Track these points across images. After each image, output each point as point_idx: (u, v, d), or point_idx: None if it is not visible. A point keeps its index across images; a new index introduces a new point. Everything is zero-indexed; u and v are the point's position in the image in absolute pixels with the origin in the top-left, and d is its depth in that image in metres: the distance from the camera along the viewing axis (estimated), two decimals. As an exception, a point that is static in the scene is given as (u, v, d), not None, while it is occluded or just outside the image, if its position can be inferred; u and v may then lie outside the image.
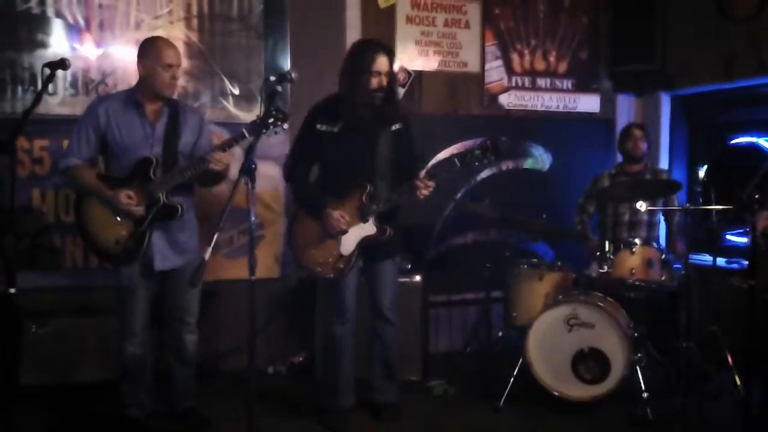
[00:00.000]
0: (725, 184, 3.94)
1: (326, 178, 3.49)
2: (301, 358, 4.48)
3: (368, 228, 3.37)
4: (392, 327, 3.60)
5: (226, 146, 3.09)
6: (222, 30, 4.35)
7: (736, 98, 4.95)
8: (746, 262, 3.13)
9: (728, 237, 4.61)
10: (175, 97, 3.35)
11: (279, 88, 2.71)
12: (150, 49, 3.20)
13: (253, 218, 2.63)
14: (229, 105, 4.36)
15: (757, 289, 2.55)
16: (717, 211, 3.84)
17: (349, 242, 3.38)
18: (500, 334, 4.47)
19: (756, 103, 4.80)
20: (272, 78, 2.73)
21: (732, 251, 4.44)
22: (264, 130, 2.75)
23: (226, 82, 4.35)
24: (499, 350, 4.45)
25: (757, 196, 2.65)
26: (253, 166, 2.59)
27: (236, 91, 4.37)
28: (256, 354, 4.14)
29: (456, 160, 3.26)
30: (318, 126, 3.40)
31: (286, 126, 2.83)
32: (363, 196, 3.35)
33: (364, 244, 3.39)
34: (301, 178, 3.51)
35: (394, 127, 3.44)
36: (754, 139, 4.86)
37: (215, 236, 2.48)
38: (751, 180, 2.77)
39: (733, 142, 4.99)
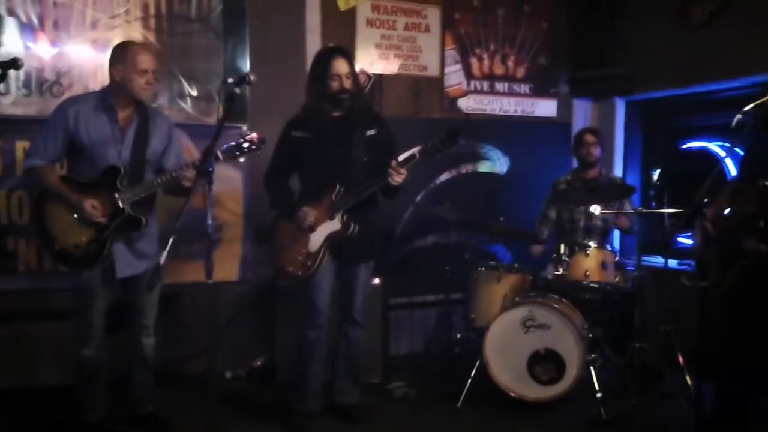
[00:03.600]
0: (678, 187, 4.05)
1: (304, 184, 3.59)
2: (260, 363, 4.45)
3: (334, 224, 3.42)
4: (360, 330, 3.66)
5: (198, 164, 3.07)
6: (180, 30, 4.30)
7: (690, 104, 5.08)
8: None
9: (680, 239, 4.71)
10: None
11: (237, 90, 2.70)
12: (124, 55, 3.18)
13: (210, 221, 2.62)
14: (188, 106, 4.31)
15: (706, 289, 2.62)
16: (669, 214, 3.94)
17: (316, 240, 3.43)
18: (458, 335, 4.51)
19: (709, 109, 4.92)
20: (230, 80, 2.71)
21: (684, 253, 4.55)
22: (237, 153, 2.80)
23: (185, 83, 4.31)
24: (459, 352, 4.48)
25: (706, 200, 2.72)
26: (211, 169, 2.58)
27: (194, 93, 4.32)
28: (216, 358, 4.16)
29: (416, 151, 3.32)
30: (293, 133, 3.51)
31: (259, 151, 2.88)
32: (333, 195, 3.41)
33: (332, 241, 3.43)
34: (277, 184, 3.58)
35: (368, 133, 3.50)
36: (705, 144, 4.99)
37: (171, 240, 2.46)
38: (702, 184, 2.84)
39: (684, 146, 5.11)
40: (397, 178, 3.29)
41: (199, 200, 2.92)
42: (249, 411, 3.84)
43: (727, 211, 2.80)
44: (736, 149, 3.05)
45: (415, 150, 3.31)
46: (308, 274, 3.44)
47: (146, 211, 3.22)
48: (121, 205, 3.13)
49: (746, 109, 2.62)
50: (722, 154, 4.74)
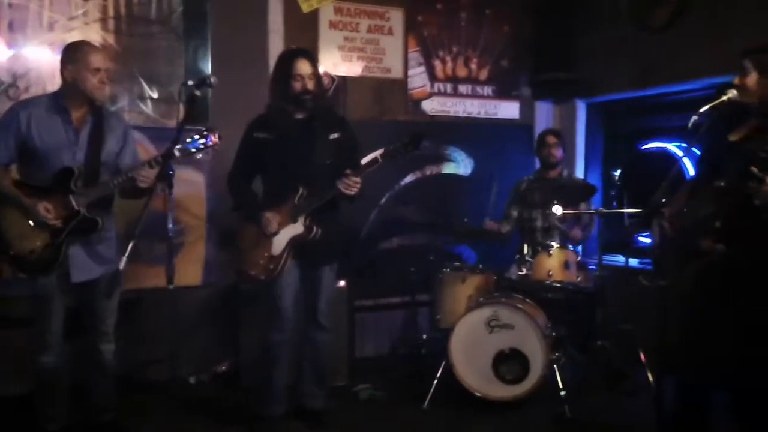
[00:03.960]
0: (638, 188, 4.11)
1: (267, 186, 3.56)
2: (224, 367, 4.40)
3: (297, 228, 3.41)
4: (326, 333, 3.64)
5: (153, 163, 3.03)
6: (141, 32, 4.24)
7: (649, 106, 5.17)
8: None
9: (640, 239, 4.79)
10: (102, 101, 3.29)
11: (198, 93, 2.67)
12: (75, 54, 3.13)
13: (171, 225, 2.59)
14: (148, 109, 4.26)
15: (664, 288, 2.66)
16: (629, 214, 4.01)
17: (279, 243, 3.41)
18: (424, 337, 4.52)
19: (667, 110, 5.02)
20: (190, 82, 2.69)
21: (644, 252, 4.63)
22: (191, 147, 2.75)
23: (145, 85, 4.25)
24: (425, 353, 4.49)
25: (664, 200, 2.76)
26: (171, 172, 2.55)
27: (155, 95, 4.27)
28: (179, 363, 4.11)
29: (378, 156, 3.33)
30: (255, 134, 3.48)
31: (214, 144, 2.82)
32: (295, 198, 3.39)
33: (294, 244, 3.42)
34: (240, 186, 3.55)
35: (332, 136, 3.49)
36: (664, 145, 5.08)
37: (131, 245, 2.42)
38: (660, 185, 2.88)
39: (644, 147, 5.21)
40: (351, 187, 3.30)
41: (160, 204, 2.87)
42: (213, 416, 3.79)
43: (684, 211, 2.85)
44: (694, 149, 3.10)
45: (377, 154, 3.32)
46: (271, 278, 3.42)
47: (103, 213, 3.16)
48: (76, 207, 3.06)
49: (702, 110, 2.67)
50: (680, 154, 4.83)
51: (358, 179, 3.31)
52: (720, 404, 2.89)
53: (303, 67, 3.39)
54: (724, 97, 2.71)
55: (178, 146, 2.93)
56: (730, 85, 2.76)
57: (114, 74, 4.15)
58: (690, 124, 2.65)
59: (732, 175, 2.57)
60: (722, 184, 2.63)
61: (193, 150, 2.90)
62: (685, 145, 4.59)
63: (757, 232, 2.62)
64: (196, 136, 2.94)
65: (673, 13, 4.50)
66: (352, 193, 3.33)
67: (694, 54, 4.39)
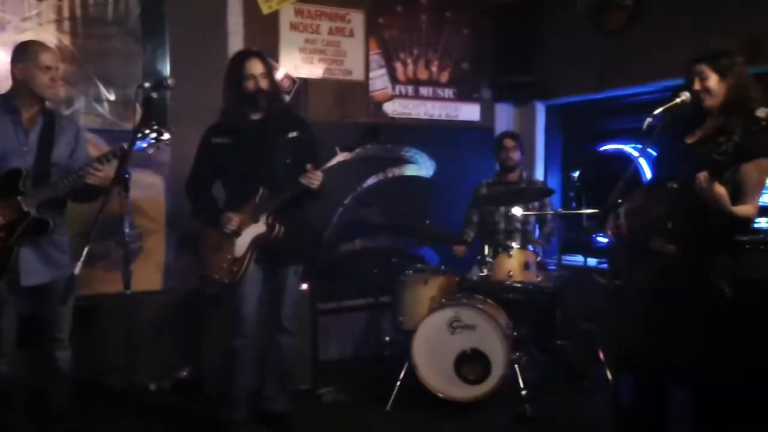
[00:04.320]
0: (597, 188, 4.18)
1: (228, 191, 3.54)
2: (185, 373, 4.35)
3: (259, 227, 3.39)
4: (290, 337, 3.61)
5: (104, 159, 2.98)
6: (97, 34, 4.17)
7: (606, 108, 5.27)
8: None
9: (599, 239, 4.87)
10: (52, 101, 3.22)
11: (154, 95, 2.64)
12: (25, 53, 3.08)
13: (127, 229, 2.55)
14: (105, 111, 4.19)
15: (619, 288, 2.72)
16: (587, 214, 4.07)
17: (241, 244, 3.39)
18: (387, 339, 4.53)
19: (623, 112, 5.12)
20: (147, 84, 2.65)
21: (602, 252, 4.70)
22: (142, 144, 2.70)
23: (102, 87, 4.18)
24: (388, 355, 4.50)
25: (620, 201, 2.81)
26: (127, 175, 2.51)
27: (112, 97, 4.20)
28: (139, 370, 4.05)
29: (337, 148, 3.34)
30: (213, 140, 3.46)
31: (166, 139, 2.78)
32: (256, 198, 3.37)
33: (258, 244, 3.39)
34: (199, 192, 3.53)
35: (290, 135, 3.47)
36: (621, 146, 5.18)
37: (86, 250, 2.37)
38: (616, 185, 2.93)
39: (602, 149, 5.30)
40: (313, 180, 3.30)
41: (116, 207, 2.82)
42: (174, 423, 3.75)
43: (639, 211, 2.91)
44: (650, 151, 3.16)
45: (336, 147, 3.33)
46: (235, 280, 3.38)
47: (54, 215, 3.09)
48: (25, 208, 2.99)
49: (655, 112, 2.73)
50: (636, 155, 4.92)
51: (319, 173, 3.31)
52: (677, 401, 2.95)
53: (254, 66, 3.38)
54: (678, 100, 2.76)
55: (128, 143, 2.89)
56: (684, 88, 2.82)
57: (70, 76, 4.09)
58: (644, 126, 2.70)
59: (684, 176, 2.63)
60: (675, 185, 2.69)
61: (144, 146, 2.86)
62: (640, 146, 4.70)
63: (705, 233, 2.70)
64: (147, 132, 2.91)
65: (627, 17, 4.59)
66: (314, 186, 3.31)
67: (647, 57, 4.48)
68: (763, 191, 2.79)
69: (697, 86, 2.76)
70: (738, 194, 2.66)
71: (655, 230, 2.79)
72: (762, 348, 3.51)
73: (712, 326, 2.70)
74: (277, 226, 3.38)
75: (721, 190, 2.57)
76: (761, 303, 3.52)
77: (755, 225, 4.05)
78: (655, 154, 3.17)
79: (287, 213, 3.41)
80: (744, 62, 2.79)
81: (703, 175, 2.55)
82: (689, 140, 2.84)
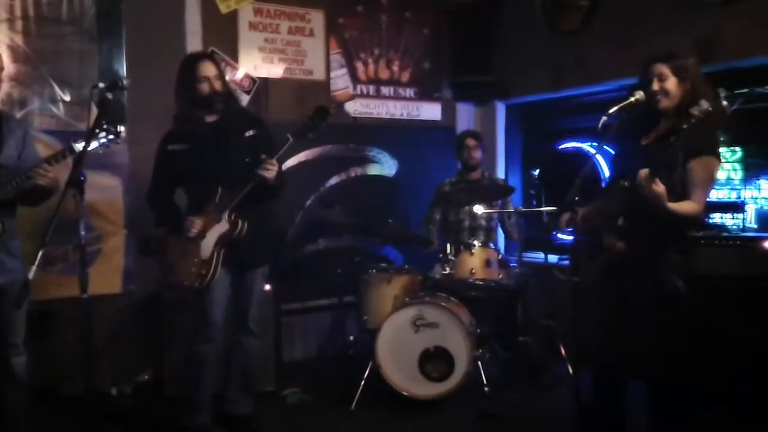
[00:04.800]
0: (557, 186, 4.24)
1: (190, 196, 3.50)
2: (147, 377, 4.29)
3: (222, 225, 3.35)
4: (255, 339, 3.60)
5: (52, 160, 2.92)
6: (51, 33, 4.09)
7: (564, 107, 5.34)
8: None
9: (559, 236, 4.94)
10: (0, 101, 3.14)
11: (109, 95, 2.60)
12: None
13: (83, 232, 2.50)
14: (60, 112, 4.11)
15: (577, 284, 2.76)
16: (547, 212, 4.13)
17: (207, 246, 3.35)
18: (351, 338, 4.53)
19: (581, 111, 5.19)
20: (101, 85, 2.61)
21: (563, 249, 4.77)
22: (95, 142, 2.65)
23: (56, 88, 4.10)
24: (353, 354, 4.50)
25: (576, 198, 2.85)
26: (83, 177, 2.46)
27: (67, 98, 4.12)
28: (99, 375, 3.98)
29: (289, 134, 3.32)
30: (169, 147, 3.42)
31: (118, 139, 2.74)
32: (216, 197, 3.35)
33: (223, 243, 3.36)
34: (160, 201, 3.49)
35: (247, 133, 3.45)
36: (580, 145, 5.25)
37: (40, 254, 2.33)
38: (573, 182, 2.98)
39: (561, 147, 5.37)
40: (270, 170, 3.26)
41: (72, 211, 2.76)
42: (135, 428, 3.70)
43: (597, 209, 2.96)
44: (606, 149, 3.22)
45: (288, 134, 3.31)
46: (205, 284, 3.34)
47: (4, 218, 3.01)
48: None
49: (610, 111, 2.77)
50: (594, 152, 5.00)
51: (273, 161, 3.28)
52: (636, 395, 3.01)
53: (207, 69, 3.34)
54: (632, 99, 2.81)
55: (77, 145, 2.84)
56: (639, 87, 2.87)
57: (23, 77, 4.01)
58: (599, 125, 2.75)
59: (635, 175, 2.69)
60: (626, 183, 2.74)
61: (95, 146, 2.81)
62: (596, 144, 4.77)
63: (655, 230, 2.76)
64: (98, 132, 2.86)
65: (584, 18, 4.66)
66: (270, 176, 3.27)
67: (604, 56, 4.56)
68: (711, 188, 2.87)
69: (655, 87, 2.80)
70: (686, 192, 2.73)
71: (608, 227, 2.85)
72: (714, 342, 3.61)
73: (665, 321, 2.76)
74: (240, 222, 3.35)
75: (659, 188, 2.62)
76: (715, 298, 3.62)
77: (710, 221, 4.17)
78: (612, 152, 3.23)
79: (250, 210, 3.38)
80: (696, 64, 2.86)
81: (643, 173, 2.61)
82: (644, 141, 2.89)
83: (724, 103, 2.53)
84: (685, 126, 2.52)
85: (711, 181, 2.81)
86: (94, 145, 2.85)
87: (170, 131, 3.46)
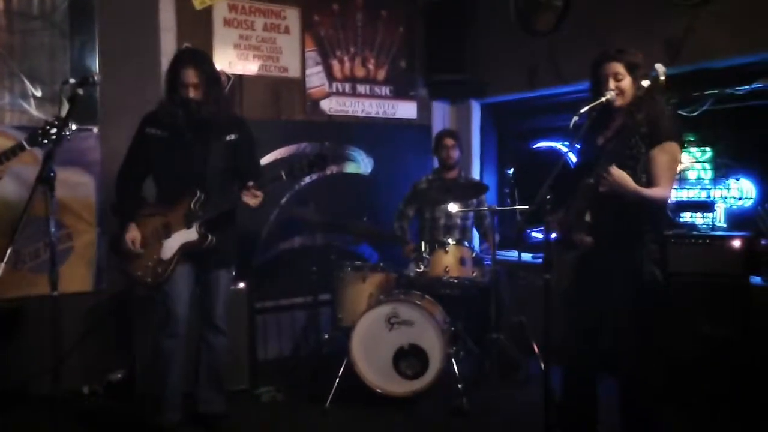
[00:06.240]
0: (532, 185, 4.28)
1: (159, 187, 3.46)
2: (119, 375, 4.25)
3: (191, 234, 3.33)
4: (222, 336, 3.58)
5: (3, 158, 2.88)
6: (21, 28, 4.04)
7: (538, 106, 5.38)
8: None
9: (533, 234, 4.99)
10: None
11: (80, 91, 2.57)
12: None
13: (53, 229, 2.48)
14: (31, 108, 4.06)
15: (548, 281, 2.79)
16: (520, 210, 4.16)
17: (169, 248, 3.33)
18: (326, 336, 4.53)
19: (554, 111, 5.24)
20: (72, 80, 2.58)
21: (536, 247, 4.82)
22: (44, 140, 2.64)
23: (27, 83, 4.05)
24: (327, 353, 4.50)
25: (549, 197, 2.88)
26: (52, 174, 2.43)
27: (39, 93, 4.07)
28: (70, 373, 3.93)
29: (283, 173, 3.29)
30: (147, 129, 3.38)
31: (69, 135, 2.73)
32: (192, 202, 3.32)
33: (186, 251, 3.34)
34: (127, 187, 3.44)
35: (228, 138, 3.42)
36: (553, 144, 5.31)
37: (9, 251, 2.30)
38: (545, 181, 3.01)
39: (535, 146, 5.42)
40: (252, 200, 3.27)
41: (42, 208, 2.74)
42: (106, 427, 3.67)
43: (569, 207, 2.99)
44: (577, 147, 3.25)
45: (282, 172, 3.27)
46: (156, 282, 3.34)
47: None
48: None
49: (581, 111, 2.81)
50: (566, 151, 5.06)
51: (260, 193, 3.27)
52: (607, 391, 3.05)
53: (187, 76, 3.26)
54: (603, 99, 2.84)
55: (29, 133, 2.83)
56: (593, 86, 2.93)
57: (-8, 72, 3.96)
58: (571, 125, 2.78)
59: (598, 171, 2.73)
60: (591, 181, 2.79)
61: (41, 139, 2.82)
62: (568, 143, 4.83)
63: (616, 224, 2.81)
64: (47, 129, 2.84)
65: (557, 18, 4.70)
66: (254, 204, 3.28)
67: (576, 57, 4.60)
68: (676, 172, 2.92)
69: (611, 86, 2.85)
70: (651, 180, 2.78)
71: (576, 224, 2.89)
72: (683, 337, 3.67)
73: (642, 311, 2.80)
74: (209, 237, 3.34)
75: (620, 173, 2.68)
76: (685, 295, 3.69)
77: (680, 220, 4.24)
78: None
79: (218, 219, 3.37)
80: (645, 61, 2.89)
81: (603, 169, 2.66)
82: (600, 141, 2.94)
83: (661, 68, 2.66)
84: (639, 116, 2.61)
85: (675, 165, 2.86)
86: (44, 141, 2.82)
87: (152, 113, 3.40)
